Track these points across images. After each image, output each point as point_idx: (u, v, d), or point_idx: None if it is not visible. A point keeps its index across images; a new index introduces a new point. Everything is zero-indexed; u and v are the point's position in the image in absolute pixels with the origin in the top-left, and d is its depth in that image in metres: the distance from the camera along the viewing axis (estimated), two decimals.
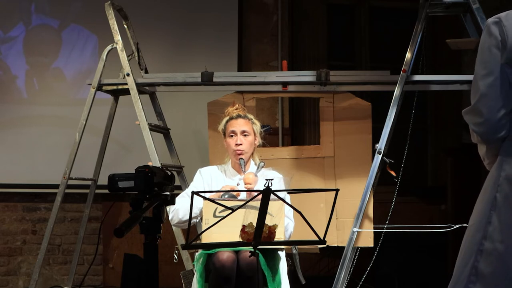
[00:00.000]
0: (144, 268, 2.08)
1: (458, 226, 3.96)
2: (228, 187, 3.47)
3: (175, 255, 3.72)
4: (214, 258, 3.18)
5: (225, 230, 2.98)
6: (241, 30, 6.10)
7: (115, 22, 4.45)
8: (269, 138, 4.24)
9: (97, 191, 4.87)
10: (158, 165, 4.17)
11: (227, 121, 3.66)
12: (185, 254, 4.20)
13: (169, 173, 2.29)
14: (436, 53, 6.53)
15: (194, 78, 4.45)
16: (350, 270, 4.10)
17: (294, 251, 4.02)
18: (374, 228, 4.19)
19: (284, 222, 3.30)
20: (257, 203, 2.64)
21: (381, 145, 4.09)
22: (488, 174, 2.15)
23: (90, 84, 4.50)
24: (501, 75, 2.09)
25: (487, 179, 2.12)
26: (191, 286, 3.53)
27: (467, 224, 2.19)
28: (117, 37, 4.44)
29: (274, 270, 3.22)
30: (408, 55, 4.19)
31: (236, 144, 3.57)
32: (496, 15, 2.16)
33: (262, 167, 3.63)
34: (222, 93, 4.53)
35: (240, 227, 2.95)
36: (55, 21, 5.93)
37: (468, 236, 2.10)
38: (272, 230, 2.93)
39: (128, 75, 4.39)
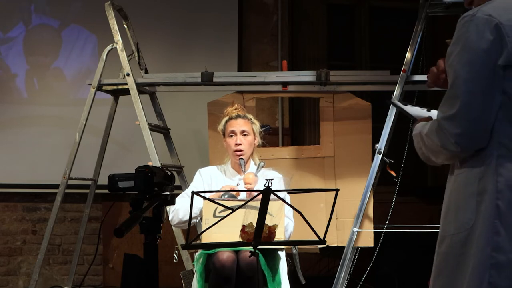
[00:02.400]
0: (144, 268, 2.08)
1: None
2: (228, 187, 3.47)
3: (175, 255, 3.72)
4: (214, 258, 3.18)
5: (225, 230, 2.98)
6: (241, 30, 6.10)
7: (115, 22, 4.45)
8: (269, 138, 4.24)
9: (97, 191, 4.88)
10: (158, 165, 4.17)
11: (226, 121, 3.66)
12: (185, 254, 4.20)
13: (169, 173, 2.29)
14: (436, 53, 6.53)
15: (194, 78, 4.45)
16: (350, 270, 4.10)
17: (294, 251, 4.02)
18: (374, 228, 4.19)
19: (284, 222, 3.30)
20: (257, 203, 2.64)
21: (381, 145, 4.09)
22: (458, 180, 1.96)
23: (90, 84, 4.51)
24: (490, 81, 1.85)
25: (465, 186, 1.91)
26: (191, 286, 3.53)
27: None
28: (117, 37, 4.44)
29: (274, 270, 3.22)
30: (408, 55, 4.19)
31: (236, 144, 3.57)
32: (480, 10, 1.91)
33: (262, 167, 3.63)
34: (222, 93, 4.53)
35: (240, 227, 2.95)
36: (55, 21, 5.93)
37: (458, 249, 1.90)
38: (272, 230, 2.93)
39: (128, 75, 4.39)
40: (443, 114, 1.91)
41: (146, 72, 4.70)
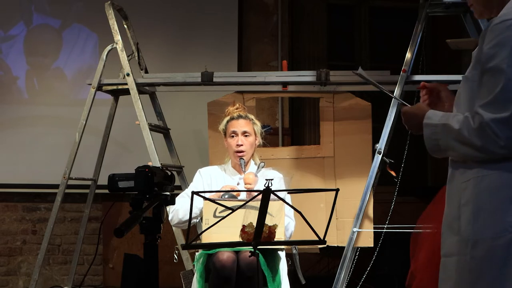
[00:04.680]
0: (144, 268, 2.08)
1: None
2: (228, 187, 3.47)
3: (175, 255, 3.72)
4: (214, 258, 3.18)
5: (225, 230, 2.97)
6: (241, 30, 6.10)
7: (115, 22, 4.45)
8: (269, 138, 4.24)
9: (97, 191, 4.88)
10: (158, 165, 4.17)
11: (228, 121, 3.66)
12: (185, 254, 4.20)
13: (169, 173, 2.29)
14: (436, 53, 6.53)
15: (194, 78, 4.45)
16: (350, 270, 4.10)
17: (294, 251, 4.02)
18: (374, 228, 4.19)
19: (285, 222, 3.30)
20: (257, 203, 2.64)
21: (381, 145, 4.09)
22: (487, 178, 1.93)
23: (90, 84, 4.51)
24: None
25: (500, 189, 1.90)
26: (191, 286, 3.53)
27: None
28: (117, 37, 4.45)
29: (274, 270, 3.21)
30: (408, 55, 4.19)
31: (237, 145, 3.57)
32: None
33: (262, 167, 3.63)
34: (222, 93, 4.53)
35: (240, 227, 2.95)
36: (56, 21, 5.93)
37: (503, 252, 1.87)
38: (272, 230, 2.93)
39: (128, 75, 4.39)
40: (492, 115, 1.87)
41: (146, 72, 4.70)
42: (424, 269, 2.25)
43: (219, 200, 3.20)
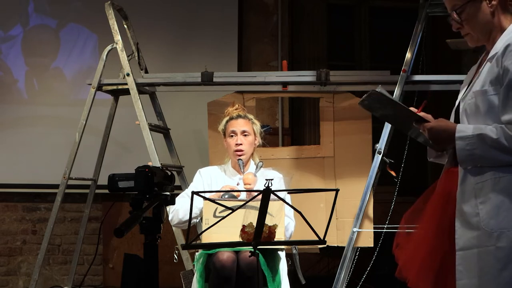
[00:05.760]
0: (144, 268, 2.08)
1: None
2: (228, 187, 3.47)
3: (175, 255, 3.72)
4: (214, 258, 3.18)
5: (225, 230, 2.97)
6: (241, 30, 6.10)
7: (115, 22, 4.45)
8: (269, 138, 4.24)
9: (97, 191, 4.88)
10: (158, 165, 4.18)
11: (227, 121, 3.66)
12: (185, 254, 4.20)
13: (169, 173, 2.29)
14: (436, 53, 6.53)
15: (194, 78, 4.45)
16: (350, 270, 4.10)
17: (294, 251, 4.02)
18: (374, 228, 4.19)
19: (285, 222, 3.30)
20: (257, 203, 2.64)
21: (381, 145, 4.09)
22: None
23: (90, 84, 4.51)
24: None
25: None
26: (191, 286, 3.53)
27: None
28: (117, 37, 4.45)
29: (274, 270, 3.22)
30: (408, 55, 4.19)
31: (236, 144, 3.57)
32: None
33: (261, 167, 3.63)
34: (222, 93, 4.53)
35: (240, 227, 2.95)
36: (54, 21, 5.92)
37: None
38: (272, 230, 2.93)
39: (128, 75, 4.39)
40: None
41: (146, 72, 4.70)
42: (418, 263, 2.37)
43: (219, 200, 3.20)
